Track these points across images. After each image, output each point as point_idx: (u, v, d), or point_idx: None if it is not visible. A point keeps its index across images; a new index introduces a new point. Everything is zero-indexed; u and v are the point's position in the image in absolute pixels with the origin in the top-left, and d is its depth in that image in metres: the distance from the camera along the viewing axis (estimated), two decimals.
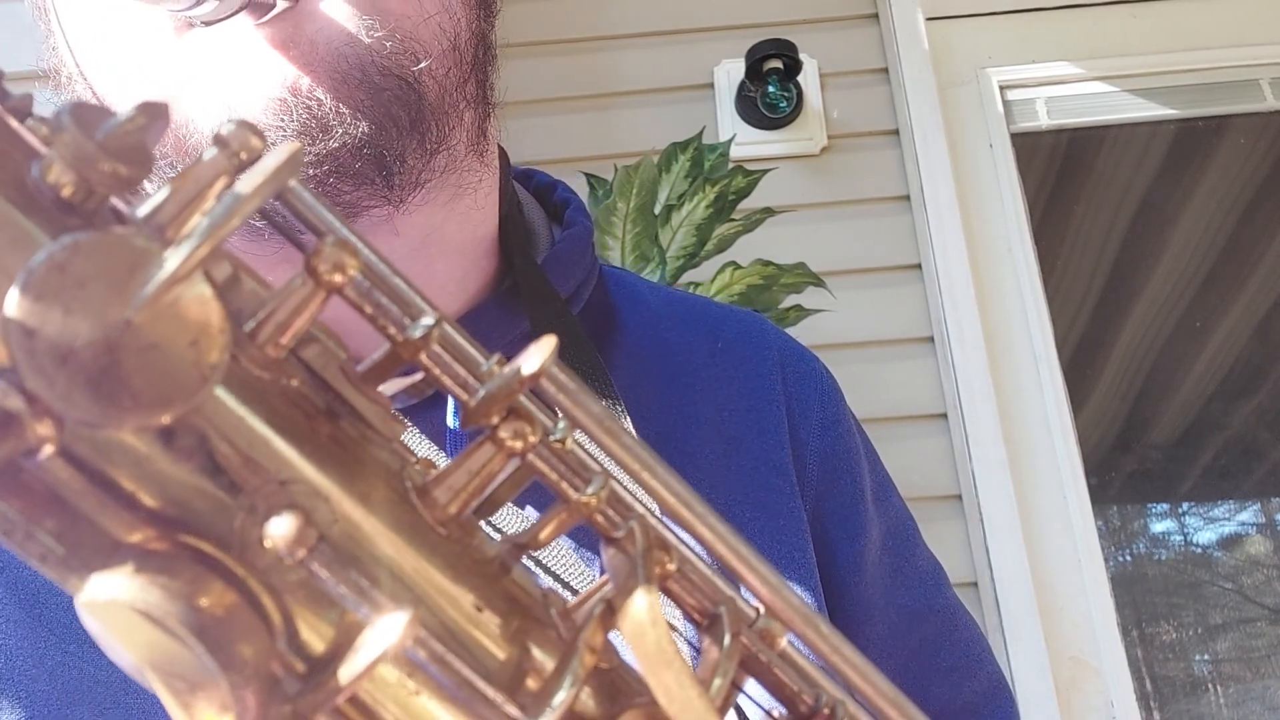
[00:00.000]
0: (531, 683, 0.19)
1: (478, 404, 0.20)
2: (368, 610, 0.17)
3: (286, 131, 0.38)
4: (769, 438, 0.52)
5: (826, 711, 0.22)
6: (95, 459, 0.16)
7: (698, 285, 1.36)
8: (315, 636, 0.18)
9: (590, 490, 0.20)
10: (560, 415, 0.21)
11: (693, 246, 1.37)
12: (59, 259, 0.15)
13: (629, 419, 0.46)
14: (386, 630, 0.17)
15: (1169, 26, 1.74)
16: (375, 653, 0.17)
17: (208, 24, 0.37)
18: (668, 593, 0.22)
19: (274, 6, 0.37)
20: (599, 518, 0.21)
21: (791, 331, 1.38)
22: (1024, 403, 1.54)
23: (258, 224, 0.40)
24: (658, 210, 1.37)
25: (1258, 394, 2.68)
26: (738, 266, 1.37)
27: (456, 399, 0.20)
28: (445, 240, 0.46)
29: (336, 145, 0.39)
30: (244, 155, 0.17)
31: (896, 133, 1.68)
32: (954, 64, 1.73)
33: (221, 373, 0.17)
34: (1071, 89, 1.75)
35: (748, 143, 1.64)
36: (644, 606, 0.19)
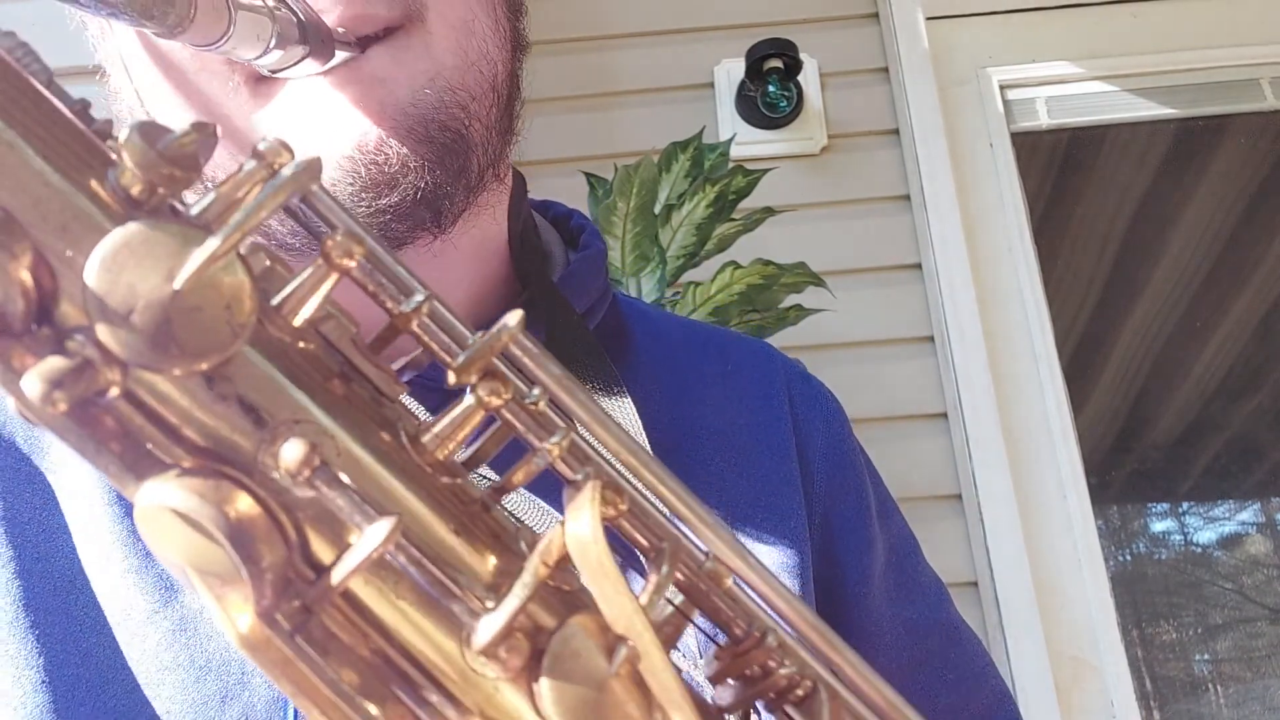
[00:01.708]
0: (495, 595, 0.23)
1: (460, 365, 0.24)
2: (360, 520, 0.21)
3: (355, 185, 0.42)
4: (777, 452, 0.54)
5: (758, 635, 0.26)
6: (150, 399, 0.21)
7: (698, 285, 1.36)
8: (321, 546, 0.22)
9: (553, 440, 0.24)
10: (530, 378, 0.25)
11: (693, 246, 1.37)
12: (125, 239, 0.20)
13: (639, 418, 0.48)
14: (373, 534, 0.21)
15: (1169, 26, 1.74)
16: (364, 552, 0.21)
17: (274, 72, 0.40)
18: (620, 531, 0.25)
19: (334, 55, 0.41)
20: (561, 465, 0.24)
21: (791, 331, 1.38)
22: (1024, 402, 1.54)
23: (290, 240, 0.44)
24: (658, 210, 1.37)
25: (1258, 394, 2.67)
26: (738, 266, 1.37)
27: (441, 362, 0.24)
28: (463, 249, 0.49)
29: (398, 199, 0.42)
30: (277, 165, 0.22)
31: (896, 132, 1.68)
32: (954, 63, 1.73)
33: (249, 332, 0.21)
34: (1072, 88, 1.75)
35: (748, 142, 1.64)
36: (586, 525, 0.22)
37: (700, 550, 0.26)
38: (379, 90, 0.42)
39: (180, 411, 0.21)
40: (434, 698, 0.22)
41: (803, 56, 1.63)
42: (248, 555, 0.20)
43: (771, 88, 1.61)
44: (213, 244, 0.20)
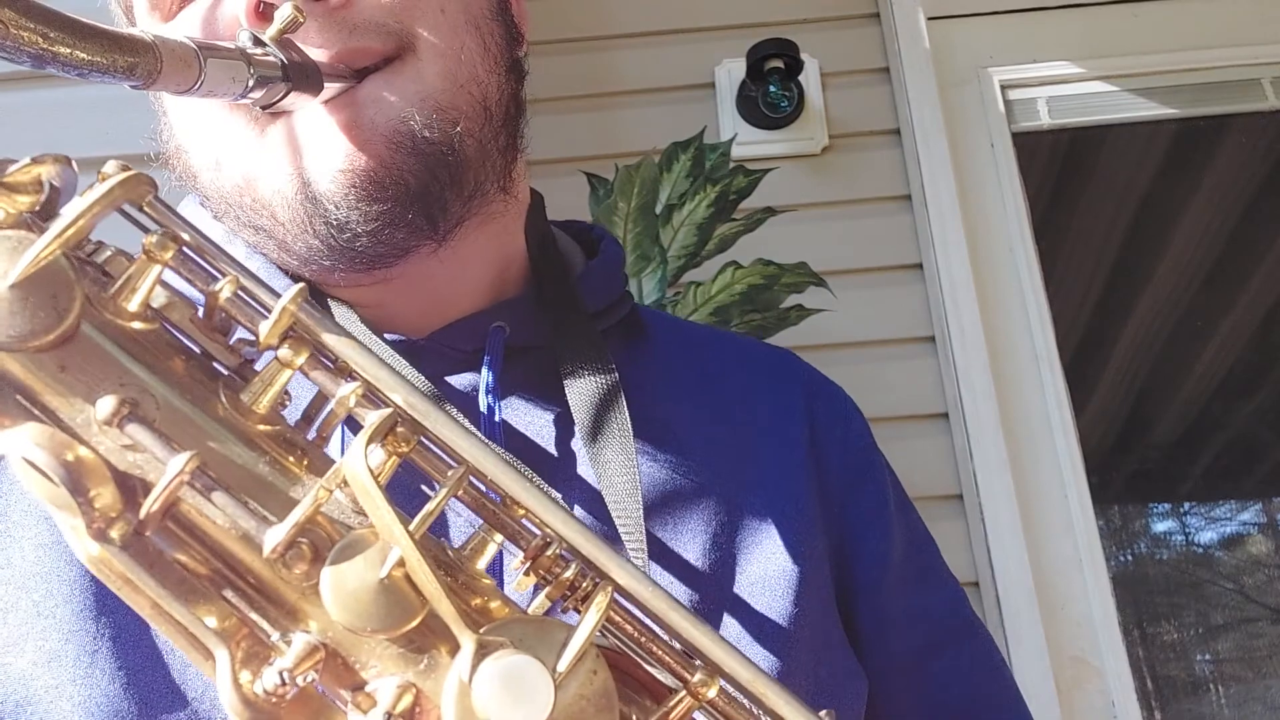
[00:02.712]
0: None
1: (263, 333, 0.29)
2: (165, 456, 0.27)
3: (350, 196, 0.46)
4: (788, 443, 0.57)
5: (542, 544, 0.31)
6: (10, 371, 0.27)
7: (699, 285, 1.36)
8: (141, 481, 0.27)
9: (347, 389, 0.29)
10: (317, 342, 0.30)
11: (694, 246, 1.37)
12: None
13: (627, 405, 0.51)
14: (174, 467, 0.26)
15: (1170, 26, 1.74)
16: (166, 482, 0.26)
17: (264, 108, 0.44)
18: (413, 463, 0.30)
19: (323, 89, 0.45)
20: (357, 409, 0.29)
21: (792, 331, 1.39)
22: (1025, 402, 1.54)
23: (325, 262, 0.49)
24: (659, 210, 1.37)
25: (1259, 393, 2.67)
26: (739, 266, 1.37)
27: (249, 330, 0.29)
28: (475, 252, 0.54)
29: (389, 205, 0.46)
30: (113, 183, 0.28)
31: (898, 132, 1.68)
32: (955, 63, 1.73)
33: (75, 315, 0.27)
34: (1073, 88, 1.75)
35: (749, 142, 1.64)
36: (357, 454, 0.27)
37: (486, 483, 0.30)
38: (370, 110, 0.47)
39: (33, 380, 0.27)
40: (256, 603, 0.27)
41: (804, 56, 1.63)
42: (79, 490, 0.26)
43: (772, 88, 1.61)
44: (37, 247, 0.27)
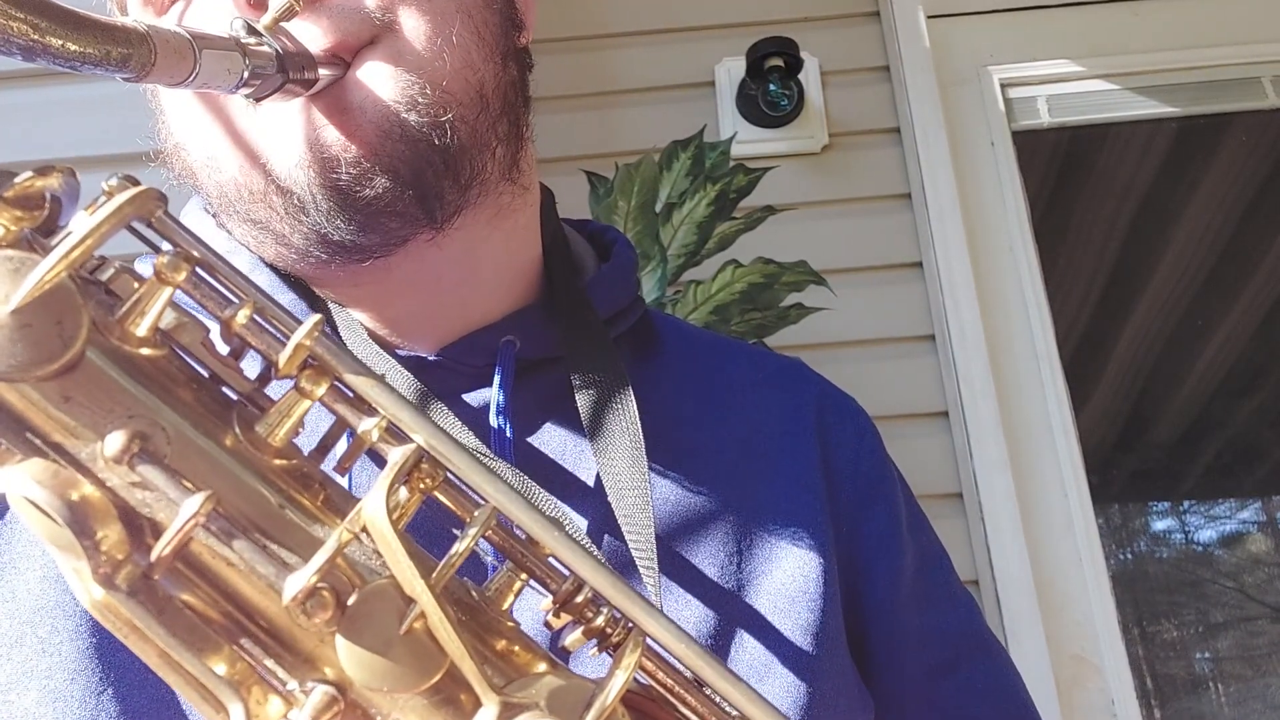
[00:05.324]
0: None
1: (284, 361, 0.27)
2: (177, 497, 0.25)
3: (332, 187, 0.45)
4: (800, 461, 0.56)
5: (571, 589, 0.30)
6: (11, 402, 0.25)
7: (699, 284, 1.36)
8: (151, 522, 0.25)
9: (369, 423, 0.28)
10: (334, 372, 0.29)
11: (694, 245, 1.37)
12: None
13: (638, 416, 0.50)
14: (187, 509, 0.24)
15: (1170, 24, 1.74)
16: (179, 525, 0.24)
17: (258, 100, 0.43)
18: (438, 500, 0.29)
19: (318, 80, 0.44)
20: (380, 445, 0.28)
21: (792, 330, 1.39)
22: (1025, 401, 1.54)
23: (321, 254, 0.48)
24: (659, 208, 1.37)
25: (1259, 392, 2.67)
26: (739, 265, 1.37)
27: (266, 358, 0.28)
28: (490, 253, 0.53)
29: (381, 191, 0.45)
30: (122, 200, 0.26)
31: (898, 131, 1.68)
32: (955, 62, 1.73)
33: (80, 343, 0.25)
34: (1073, 87, 1.74)
35: (749, 141, 1.64)
36: (377, 502, 0.26)
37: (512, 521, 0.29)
38: (359, 98, 0.46)
39: (34, 412, 0.25)
40: (271, 650, 0.26)
41: (804, 55, 1.63)
42: (84, 532, 0.24)
43: (772, 86, 1.61)
44: (40, 270, 0.25)
